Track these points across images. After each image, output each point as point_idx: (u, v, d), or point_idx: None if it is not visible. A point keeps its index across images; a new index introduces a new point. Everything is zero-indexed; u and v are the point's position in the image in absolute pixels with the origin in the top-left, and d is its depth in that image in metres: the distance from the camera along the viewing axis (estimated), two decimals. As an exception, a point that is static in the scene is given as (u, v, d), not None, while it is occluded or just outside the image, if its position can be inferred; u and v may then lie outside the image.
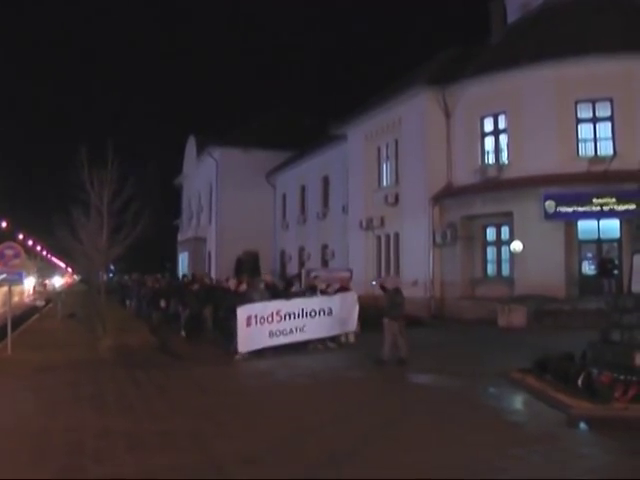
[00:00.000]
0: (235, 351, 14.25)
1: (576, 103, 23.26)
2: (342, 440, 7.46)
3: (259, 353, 14.41)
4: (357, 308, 16.64)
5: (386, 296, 13.87)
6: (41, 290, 65.11)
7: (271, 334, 14.74)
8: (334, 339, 16.22)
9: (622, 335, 9.95)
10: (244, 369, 13.49)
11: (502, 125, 25.06)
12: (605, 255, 21.38)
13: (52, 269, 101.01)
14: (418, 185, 26.57)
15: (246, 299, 15.05)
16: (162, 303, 19.95)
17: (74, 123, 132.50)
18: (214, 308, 17.98)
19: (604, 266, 20.10)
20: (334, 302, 16.12)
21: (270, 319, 14.72)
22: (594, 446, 7.41)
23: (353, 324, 16.55)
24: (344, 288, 17.74)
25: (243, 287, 16.34)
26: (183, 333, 18.73)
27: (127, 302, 32.70)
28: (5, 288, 17.19)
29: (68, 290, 63.11)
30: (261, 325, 14.56)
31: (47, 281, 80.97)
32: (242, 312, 14.32)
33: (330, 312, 15.77)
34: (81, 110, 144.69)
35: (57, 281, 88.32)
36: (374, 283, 17.79)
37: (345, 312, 16.20)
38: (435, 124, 26.41)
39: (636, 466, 6.57)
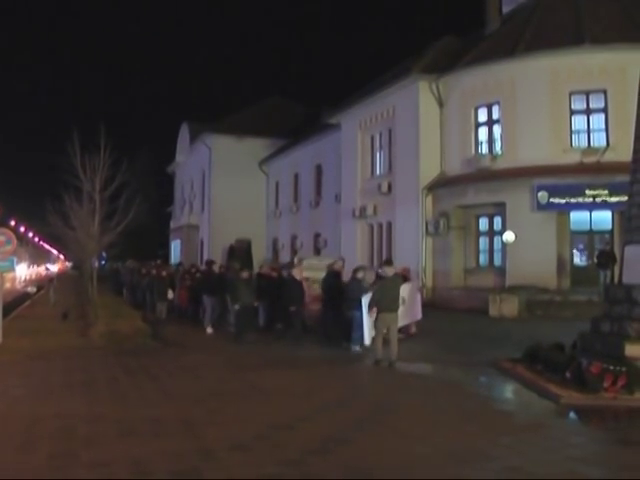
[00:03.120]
0: (361, 343, 13.59)
1: (570, 94, 23.29)
2: (333, 427, 7.48)
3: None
4: (419, 297, 15.83)
5: (381, 283, 12.63)
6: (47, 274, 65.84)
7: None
8: (401, 329, 15.42)
9: (612, 326, 10.02)
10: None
11: (496, 115, 25.07)
12: (604, 247, 21.44)
13: (44, 256, 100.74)
14: (411, 174, 26.57)
15: (359, 288, 14.08)
16: (170, 294, 18.40)
17: (67, 109, 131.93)
18: (274, 299, 16.40)
19: (602, 258, 20.21)
20: (406, 291, 15.09)
21: None
22: (583, 435, 7.46)
23: (419, 313, 15.86)
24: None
25: (360, 275, 14.71)
26: (210, 330, 17.44)
27: (124, 291, 30.64)
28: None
29: (60, 277, 62.94)
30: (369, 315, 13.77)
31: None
32: (366, 301, 13.42)
33: (404, 301, 14.66)
34: (74, 96, 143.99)
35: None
36: (380, 270, 16.66)
37: (411, 301, 15.42)
38: (429, 114, 26.40)
39: (624, 455, 6.63)
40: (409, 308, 15.11)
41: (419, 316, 15.90)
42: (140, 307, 21.65)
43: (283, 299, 15.75)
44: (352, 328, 14.05)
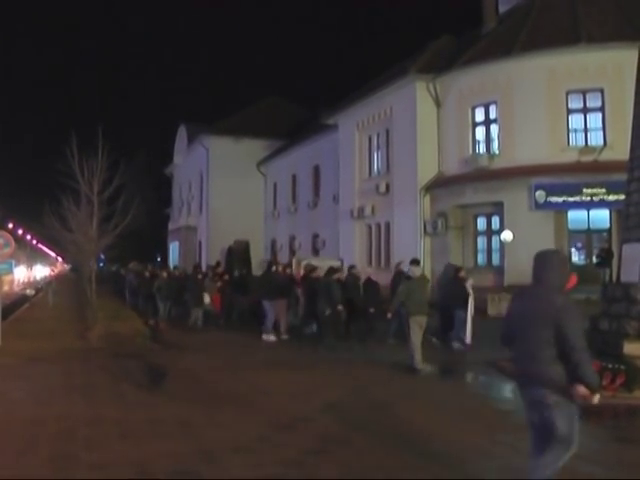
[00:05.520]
0: (464, 344, 13.86)
1: (567, 93, 23.34)
2: (333, 427, 7.49)
3: None
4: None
5: (407, 285, 11.53)
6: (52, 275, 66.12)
7: None
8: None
9: (610, 324, 10.05)
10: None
11: (493, 115, 25.11)
12: (603, 245, 21.47)
13: (42, 258, 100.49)
14: (409, 174, 26.60)
15: (463, 288, 14.41)
16: (206, 299, 17.33)
17: (64, 111, 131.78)
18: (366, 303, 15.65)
19: (602, 256, 20.20)
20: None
21: None
22: (581, 433, 7.36)
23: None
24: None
25: (463, 274, 15.09)
26: (272, 337, 15.86)
27: (127, 295, 28.34)
28: (-5, 277, 17.00)
29: (59, 279, 62.90)
30: None
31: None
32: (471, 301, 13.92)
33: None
34: (71, 98, 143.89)
35: (40, 271, 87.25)
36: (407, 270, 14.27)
37: None
38: (426, 114, 26.43)
39: (622, 452, 6.65)
40: None
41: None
42: (144, 313, 21.11)
43: (365, 301, 15.69)
44: (453, 326, 14.33)
